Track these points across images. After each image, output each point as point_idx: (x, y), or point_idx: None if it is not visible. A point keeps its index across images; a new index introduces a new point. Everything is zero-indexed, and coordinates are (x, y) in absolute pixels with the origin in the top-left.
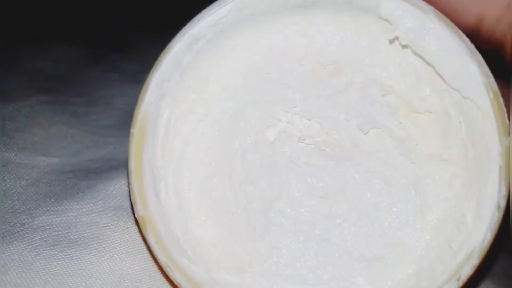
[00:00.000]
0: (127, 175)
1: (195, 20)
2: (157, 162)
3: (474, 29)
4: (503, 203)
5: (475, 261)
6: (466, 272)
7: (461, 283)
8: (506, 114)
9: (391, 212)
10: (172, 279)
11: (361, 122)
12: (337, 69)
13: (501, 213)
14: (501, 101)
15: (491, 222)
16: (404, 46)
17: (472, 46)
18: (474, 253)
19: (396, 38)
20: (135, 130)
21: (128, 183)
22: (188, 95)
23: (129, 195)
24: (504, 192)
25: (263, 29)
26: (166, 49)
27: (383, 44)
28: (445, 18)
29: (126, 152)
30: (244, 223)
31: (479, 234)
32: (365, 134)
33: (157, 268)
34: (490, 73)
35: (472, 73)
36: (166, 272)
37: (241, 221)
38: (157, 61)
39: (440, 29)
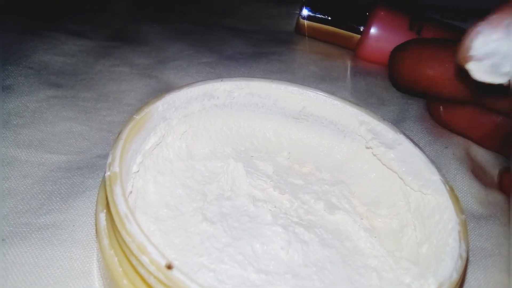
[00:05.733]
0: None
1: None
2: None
3: None
4: (464, 255)
5: None
6: None
7: None
8: (459, 200)
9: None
10: (127, 231)
11: (328, 206)
12: (311, 170)
13: (464, 262)
14: (455, 192)
15: (455, 266)
16: (374, 155)
17: (429, 158)
18: (444, 284)
19: (369, 148)
20: (138, 116)
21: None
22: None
23: None
24: (464, 247)
25: (259, 120)
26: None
27: (357, 154)
28: (408, 136)
29: None
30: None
31: (446, 273)
32: (331, 215)
33: None
34: (444, 175)
35: (432, 174)
36: (124, 225)
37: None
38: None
39: (407, 144)
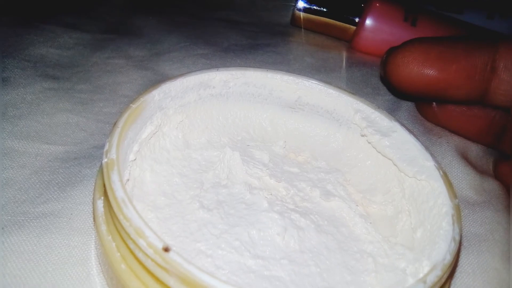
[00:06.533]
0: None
1: None
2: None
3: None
4: (457, 238)
5: (438, 272)
6: (431, 279)
7: (427, 287)
8: (453, 185)
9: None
10: (124, 216)
11: (323, 193)
12: (307, 159)
13: (457, 244)
14: (448, 178)
15: (449, 249)
16: (369, 143)
17: (424, 145)
18: (438, 266)
19: (364, 136)
20: (134, 105)
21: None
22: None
23: None
24: (457, 231)
25: (255, 110)
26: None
27: (352, 142)
28: (403, 124)
29: None
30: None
31: (440, 256)
32: (327, 202)
33: None
34: (438, 161)
35: (426, 160)
36: (121, 210)
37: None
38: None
39: (401, 131)
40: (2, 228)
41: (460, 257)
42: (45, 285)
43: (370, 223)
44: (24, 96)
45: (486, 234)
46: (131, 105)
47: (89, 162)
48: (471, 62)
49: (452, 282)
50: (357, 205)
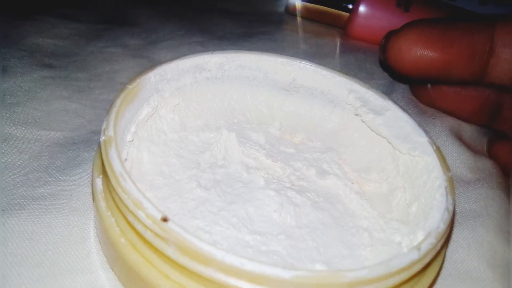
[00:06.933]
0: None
1: None
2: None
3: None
4: (450, 208)
5: (432, 240)
6: (425, 246)
7: (421, 254)
8: (445, 159)
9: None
10: (123, 189)
11: (319, 172)
12: (303, 139)
13: (451, 214)
14: (441, 152)
15: (442, 218)
16: (363, 122)
17: (417, 122)
18: (431, 234)
19: (358, 115)
20: (131, 86)
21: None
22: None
23: None
24: (450, 201)
25: (251, 93)
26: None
27: (347, 123)
28: (396, 102)
29: None
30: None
31: (434, 225)
32: (322, 180)
33: None
34: (431, 137)
35: (419, 136)
36: (119, 183)
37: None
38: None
39: (395, 109)
40: (2, 210)
41: (455, 232)
42: (46, 263)
43: (366, 199)
44: (22, 84)
45: (481, 210)
46: (127, 86)
47: (87, 146)
48: (471, 42)
49: (448, 256)
50: (352, 183)
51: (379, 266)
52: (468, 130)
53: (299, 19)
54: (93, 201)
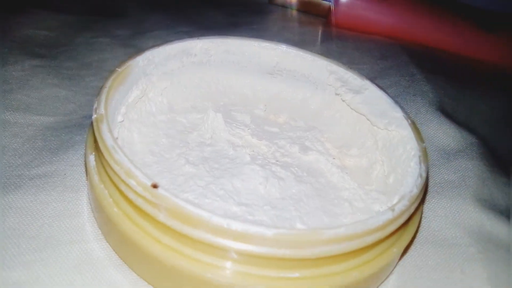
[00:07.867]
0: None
1: None
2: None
3: None
4: (424, 175)
5: (405, 202)
6: (399, 207)
7: (395, 214)
8: (420, 132)
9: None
10: (115, 160)
11: (302, 148)
12: (286, 120)
13: (424, 180)
14: (417, 125)
15: (415, 183)
16: (343, 101)
17: (393, 99)
18: (405, 197)
19: (338, 95)
20: (120, 69)
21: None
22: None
23: None
24: (424, 168)
25: (236, 76)
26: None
27: (329, 103)
28: (374, 81)
29: None
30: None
31: (407, 189)
32: (305, 156)
33: None
34: (407, 112)
35: (395, 112)
36: (112, 156)
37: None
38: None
39: (373, 88)
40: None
41: (433, 202)
42: (42, 236)
43: (347, 173)
44: (13, 72)
45: (459, 181)
46: (116, 69)
47: (79, 129)
48: None
49: (425, 224)
50: (334, 158)
51: (355, 225)
52: (450, 103)
53: (282, 9)
54: (87, 177)
